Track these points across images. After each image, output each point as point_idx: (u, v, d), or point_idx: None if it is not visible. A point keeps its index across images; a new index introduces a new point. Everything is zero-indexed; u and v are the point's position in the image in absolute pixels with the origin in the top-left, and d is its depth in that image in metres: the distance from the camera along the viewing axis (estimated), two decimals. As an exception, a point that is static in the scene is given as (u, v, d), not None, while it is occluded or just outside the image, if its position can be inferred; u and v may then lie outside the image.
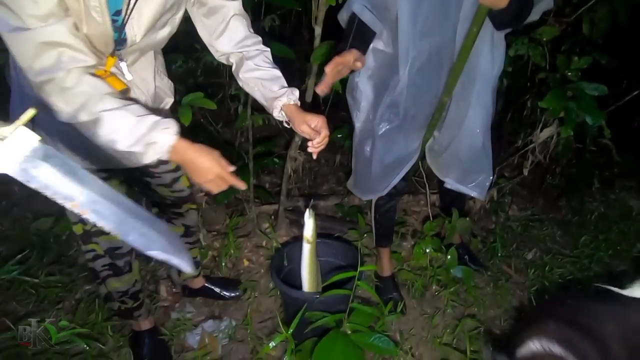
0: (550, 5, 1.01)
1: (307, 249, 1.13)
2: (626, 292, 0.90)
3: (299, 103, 1.03)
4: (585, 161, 2.26)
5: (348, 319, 1.13)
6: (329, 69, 1.04)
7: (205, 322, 1.44)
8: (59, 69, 0.72)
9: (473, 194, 1.33)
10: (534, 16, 1.03)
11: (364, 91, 1.28)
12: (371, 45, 1.19)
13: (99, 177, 1.02)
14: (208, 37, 1.06)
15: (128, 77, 0.96)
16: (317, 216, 2.09)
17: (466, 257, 1.78)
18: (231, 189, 1.88)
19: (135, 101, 0.85)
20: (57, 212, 1.89)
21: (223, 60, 1.10)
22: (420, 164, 1.49)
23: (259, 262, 1.79)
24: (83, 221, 1.10)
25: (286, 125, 1.07)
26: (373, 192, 1.44)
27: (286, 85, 1.04)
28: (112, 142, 0.76)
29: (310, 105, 1.52)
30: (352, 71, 1.16)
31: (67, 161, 0.42)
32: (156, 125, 0.78)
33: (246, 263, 1.80)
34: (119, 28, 0.85)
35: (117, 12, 0.84)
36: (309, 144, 1.01)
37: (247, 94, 1.90)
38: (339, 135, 2.31)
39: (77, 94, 0.74)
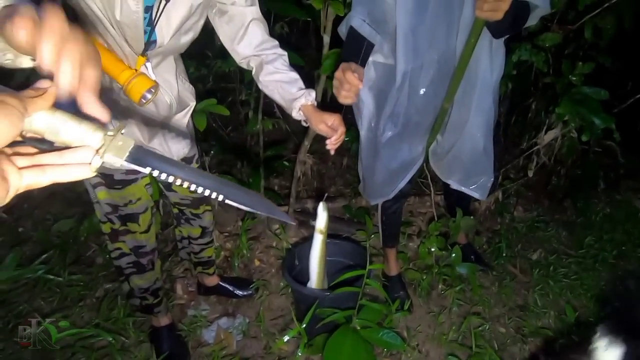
0: (548, 11, 1.05)
1: (319, 240, 1.15)
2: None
3: (315, 103, 1.09)
4: (589, 162, 2.29)
5: (357, 316, 1.19)
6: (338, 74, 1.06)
7: (220, 319, 1.50)
8: None
9: (475, 195, 1.38)
10: (532, 22, 1.08)
11: (365, 101, 1.33)
12: (371, 58, 1.23)
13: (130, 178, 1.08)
14: (230, 43, 1.13)
15: (153, 78, 1.01)
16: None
17: (472, 257, 1.83)
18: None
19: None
20: (77, 214, 1.98)
21: (244, 65, 1.17)
22: (425, 166, 1.54)
23: (269, 262, 1.86)
24: (111, 220, 1.18)
25: (304, 124, 1.14)
26: (380, 196, 1.49)
27: (303, 87, 1.10)
28: None
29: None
30: None
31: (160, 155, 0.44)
32: None
33: (258, 263, 1.86)
34: (149, 30, 0.92)
35: (147, 9, 0.90)
36: (327, 141, 1.07)
37: (257, 99, 1.99)
38: (346, 139, 2.36)
39: None
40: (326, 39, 1.52)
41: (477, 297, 1.61)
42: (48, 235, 1.87)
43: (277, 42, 1.15)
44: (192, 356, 1.37)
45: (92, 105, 0.38)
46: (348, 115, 1.17)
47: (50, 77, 0.36)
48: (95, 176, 1.09)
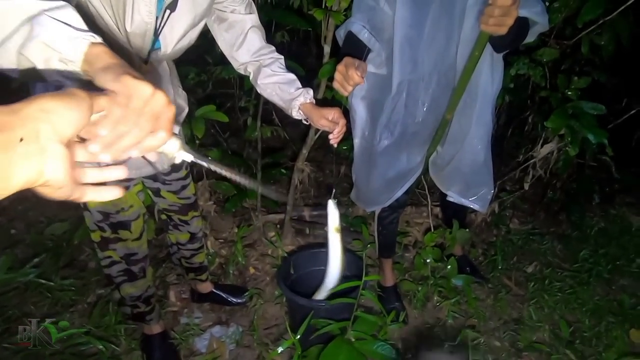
0: (546, 27, 1.07)
1: (337, 239, 1.10)
2: None
3: (314, 101, 1.11)
4: (585, 177, 2.30)
5: (352, 327, 1.18)
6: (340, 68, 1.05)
7: (213, 328, 1.49)
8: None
9: (475, 206, 1.38)
10: (530, 38, 1.09)
11: (357, 110, 1.34)
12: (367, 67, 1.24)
13: (125, 185, 1.09)
14: (229, 50, 1.16)
15: None
16: (322, 226, 2.16)
17: (468, 269, 1.82)
18: (239, 198, 1.94)
19: None
20: (70, 217, 1.96)
21: (242, 70, 1.19)
22: (422, 177, 1.54)
23: (265, 270, 1.84)
24: (102, 228, 1.16)
25: (305, 123, 1.16)
26: (376, 204, 1.49)
27: (301, 86, 1.12)
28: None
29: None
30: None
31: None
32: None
33: (252, 271, 1.85)
34: (154, 38, 0.93)
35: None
36: (330, 135, 1.08)
37: (256, 106, 1.99)
38: (344, 147, 2.38)
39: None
40: (327, 48, 1.53)
41: (472, 309, 1.60)
42: (41, 238, 1.85)
43: (274, 48, 1.17)
44: (184, 365, 1.35)
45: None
46: (347, 124, 1.17)
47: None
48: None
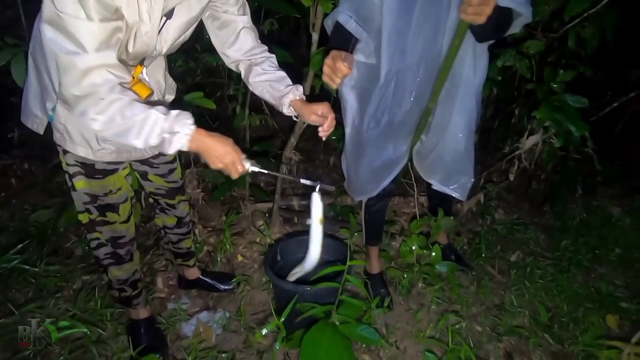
0: (529, 19, 1.08)
1: (319, 231, 1.14)
2: None
3: (304, 97, 1.14)
4: (568, 168, 2.35)
5: (337, 311, 1.20)
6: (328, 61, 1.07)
7: (200, 313, 1.50)
8: (104, 84, 0.82)
9: (455, 194, 1.41)
10: (514, 29, 1.11)
11: (348, 99, 1.35)
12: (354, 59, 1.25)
13: (111, 168, 1.11)
14: (220, 46, 1.20)
15: (148, 80, 1.08)
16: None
17: (452, 256, 1.86)
18: (227, 186, 1.94)
19: (156, 103, 0.97)
20: (56, 205, 1.94)
21: (233, 67, 1.24)
22: (409, 166, 1.56)
23: (252, 257, 1.86)
24: (89, 211, 1.16)
25: (295, 119, 1.20)
26: (364, 193, 1.51)
27: (291, 83, 1.16)
28: (145, 139, 0.86)
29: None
30: None
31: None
32: (177, 118, 0.87)
33: (240, 258, 1.86)
34: None
35: None
36: (319, 129, 1.12)
37: (244, 95, 1.99)
38: (333, 137, 2.38)
39: (111, 103, 0.83)
40: (315, 36, 1.53)
41: (455, 295, 1.64)
42: (25, 225, 1.83)
43: (266, 47, 1.21)
44: (170, 349, 1.36)
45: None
46: (336, 114, 1.19)
47: None
48: (74, 165, 1.09)
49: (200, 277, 1.63)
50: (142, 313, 1.38)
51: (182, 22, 1.00)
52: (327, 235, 1.75)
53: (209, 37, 1.21)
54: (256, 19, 1.88)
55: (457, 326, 1.48)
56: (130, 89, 0.91)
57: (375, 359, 1.37)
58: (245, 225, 2.00)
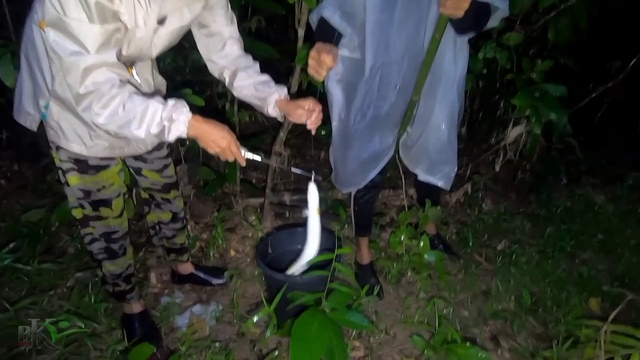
0: (506, 13, 1.13)
1: (317, 220, 1.18)
2: None
3: (289, 97, 1.18)
4: (551, 158, 2.42)
5: (327, 299, 1.23)
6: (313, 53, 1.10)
7: (194, 307, 1.52)
8: (106, 82, 0.88)
9: (440, 184, 1.45)
10: (493, 23, 1.15)
11: (334, 94, 1.38)
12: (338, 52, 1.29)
13: (104, 164, 1.14)
14: (207, 53, 1.23)
15: (136, 79, 1.11)
16: (302, 209, 2.20)
17: (441, 246, 1.91)
18: (218, 182, 1.96)
19: (152, 94, 1.00)
20: (47, 205, 1.95)
21: (216, 73, 1.27)
22: (397, 159, 1.60)
23: (245, 252, 1.88)
24: (82, 206, 1.18)
25: (281, 120, 1.24)
26: (351, 185, 1.55)
27: (275, 85, 1.20)
28: (146, 128, 0.90)
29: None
30: None
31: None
32: (175, 107, 0.92)
33: (233, 253, 1.88)
34: None
35: None
36: (308, 122, 1.15)
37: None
38: (323, 133, 2.41)
39: (113, 97, 0.88)
40: (300, 32, 1.56)
41: (443, 283, 1.69)
42: (17, 226, 1.84)
43: (250, 56, 1.25)
44: (165, 341, 1.38)
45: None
46: (325, 109, 1.22)
47: None
48: (68, 161, 1.11)
49: (194, 272, 1.65)
50: (135, 307, 1.40)
51: (174, 29, 1.04)
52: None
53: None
54: (243, 16, 1.90)
55: (444, 311, 1.53)
56: (129, 82, 0.95)
57: (366, 344, 1.41)
58: (237, 221, 2.03)
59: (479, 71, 2.00)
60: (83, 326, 1.30)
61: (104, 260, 1.29)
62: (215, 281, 1.66)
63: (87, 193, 1.17)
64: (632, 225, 2.21)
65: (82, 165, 1.12)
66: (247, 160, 1.05)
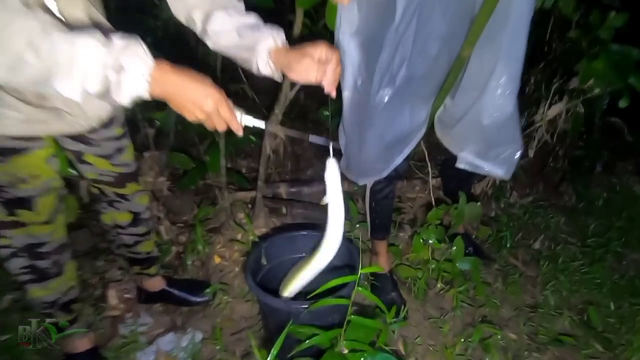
0: None
1: (340, 207, 0.82)
2: None
3: (287, 45, 0.79)
4: (592, 141, 2.08)
5: (345, 334, 0.88)
6: None
7: (163, 337, 1.16)
8: None
9: (497, 171, 1.07)
10: None
11: (348, 52, 1.01)
12: None
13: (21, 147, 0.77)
14: None
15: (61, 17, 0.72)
16: (301, 204, 1.84)
17: (470, 249, 1.57)
18: (198, 172, 1.56)
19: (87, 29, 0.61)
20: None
21: (182, 18, 0.86)
22: (420, 141, 1.24)
23: (232, 258, 1.51)
24: None
25: (277, 79, 0.84)
26: (371, 175, 1.19)
27: (267, 27, 0.80)
28: (80, 83, 0.57)
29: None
30: None
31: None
32: (126, 49, 0.58)
33: (218, 260, 1.51)
34: None
35: None
36: (323, 82, 0.77)
37: (215, 58, 1.60)
38: (325, 113, 2.05)
39: (13, 35, 0.53)
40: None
41: (483, 297, 1.35)
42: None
43: None
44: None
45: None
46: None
47: None
48: None
49: (166, 288, 1.29)
50: (81, 344, 1.03)
51: None
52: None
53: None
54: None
55: (491, 339, 1.19)
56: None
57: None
58: (223, 220, 1.66)
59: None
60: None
61: (30, 284, 0.92)
62: (194, 299, 1.30)
63: None
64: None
65: None
66: (246, 129, 0.71)
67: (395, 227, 1.63)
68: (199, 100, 0.62)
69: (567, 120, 1.92)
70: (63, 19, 0.74)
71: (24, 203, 0.85)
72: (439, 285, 1.41)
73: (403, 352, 1.14)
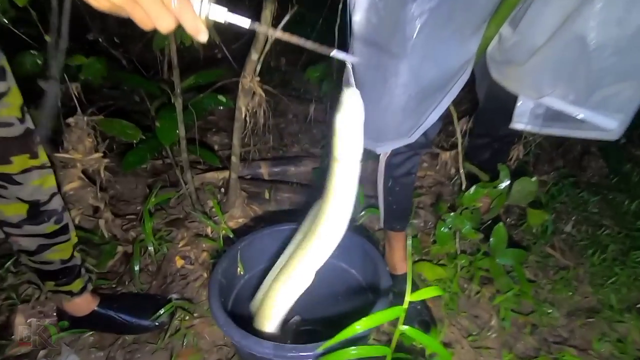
0: None
1: (353, 172, 0.54)
2: None
3: None
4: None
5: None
6: None
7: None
8: None
9: (608, 124, 0.69)
10: None
11: None
12: None
13: None
14: None
15: None
16: (288, 186, 1.47)
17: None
18: (150, 146, 1.17)
19: None
20: None
21: None
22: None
23: (200, 261, 1.13)
24: None
25: None
26: (392, 138, 0.82)
27: None
28: None
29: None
30: None
31: None
32: None
33: (180, 263, 1.13)
34: None
35: None
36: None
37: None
38: (315, 74, 1.67)
39: None
40: None
41: (531, 301, 1.03)
42: None
43: None
44: None
45: None
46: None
47: None
48: None
49: (98, 309, 0.89)
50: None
51: None
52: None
53: None
54: None
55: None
56: None
57: None
58: (187, 209, 1.26)
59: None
60: None
61: None
62: (141, 323, 0.91)
63: None
64: None
65: None
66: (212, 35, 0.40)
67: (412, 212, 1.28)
68: None
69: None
70: None
71: None
72: (473, 286, 1.08)
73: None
